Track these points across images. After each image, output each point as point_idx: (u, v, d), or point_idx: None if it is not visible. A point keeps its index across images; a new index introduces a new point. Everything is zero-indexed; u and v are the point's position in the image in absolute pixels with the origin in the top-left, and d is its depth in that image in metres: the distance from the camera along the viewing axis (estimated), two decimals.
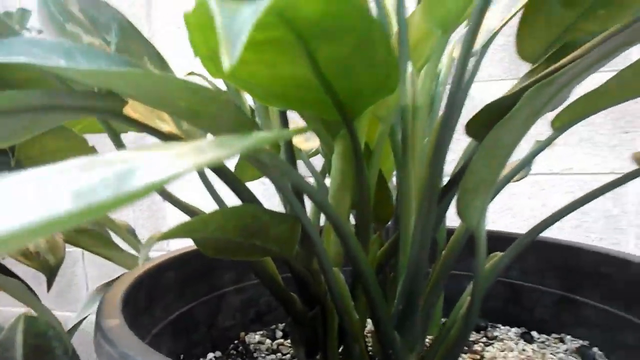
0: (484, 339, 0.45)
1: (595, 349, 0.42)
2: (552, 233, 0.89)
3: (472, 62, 0.38)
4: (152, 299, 0.36)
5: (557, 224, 0.88)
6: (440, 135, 0.27)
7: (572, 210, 0.37)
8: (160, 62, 0.43)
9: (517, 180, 0.48)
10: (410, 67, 0.30)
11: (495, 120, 0.28)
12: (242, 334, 0.45)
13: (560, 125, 0.40)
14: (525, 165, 0.42)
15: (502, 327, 0.47)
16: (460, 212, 0.29)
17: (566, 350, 0.42)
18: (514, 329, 0.46)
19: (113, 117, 0.30)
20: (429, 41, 0.29)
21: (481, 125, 0.31)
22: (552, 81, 0.26)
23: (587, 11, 0.38)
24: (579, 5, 0.38)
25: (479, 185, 0.28)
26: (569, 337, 0.44)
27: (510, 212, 0.94)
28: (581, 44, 0.34)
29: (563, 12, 0.38)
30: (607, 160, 0.87)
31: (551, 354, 0.41)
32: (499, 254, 0.32)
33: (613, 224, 0.87)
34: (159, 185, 0.12)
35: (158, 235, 0.24)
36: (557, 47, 0.41)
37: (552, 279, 0.44)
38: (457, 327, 0.31)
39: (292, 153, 0.37)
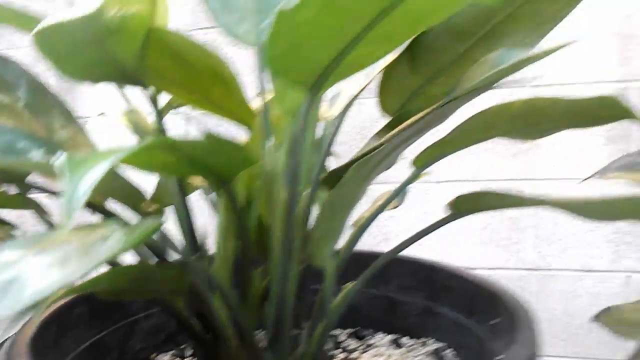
0: (363, 346, 0.53)
1: (448, 350, 0.51)
2: (464, 233, 1.00)
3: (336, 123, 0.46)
4: (62, 333, 0.41)
5: (469, 226, 0.99)
6: (290, 192, 0.35)
7: (422, 237, 0.45)
8: (68, 115, 0.48)
9: (393, 209, 0.57)
10: (272, 141, 0.37)
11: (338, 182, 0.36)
12: (153, 354, 0.51)
13: (421, 165, 0.49)
14: (395, 197, 0.51)
15: (380, 335, 0.56)
16: (310, 257, 0.36)
17: (425, 353, 0.51)
18: (389, 336, 0.55)
19: (19, 186, 0.35)
20: (283, 122, 0.36)
21: (332, 185, 0.39)
22: (370, 159, 0.34)
23: (431, 78, 0.47)
24: (422, 73, 0.47)
25: (324, 235, 0.36)
26: (431, 340, 0.53)
27: (426, 216, 1.03)
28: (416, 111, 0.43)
29: (412, 78, 0.47)
30: (508, 167, 0.98)
31: (413, 356, 0.50)
32: (350, 284, 0.40)
33: (515, 225, 0.99)
34: (36, 301, 0.19)
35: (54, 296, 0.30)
36: (414, 102, 0.49)
37: (419, 292, 0.53)
38: (315, 344, 0.39)
39: (185, 207, 0.43)
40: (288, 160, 0.34)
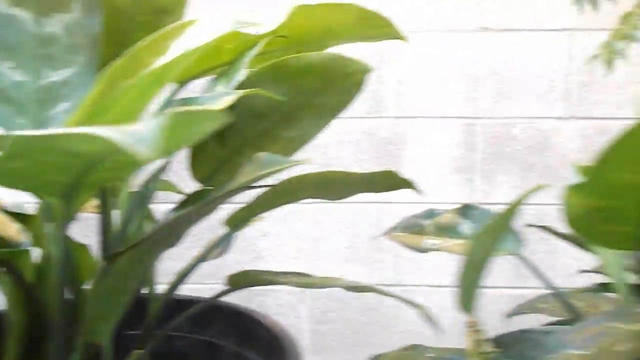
0: None
1: None
2: (331, 251, 1.06)
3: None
4: None
5: (336, 245, 1.05)
6: (61, 276, 0.37)
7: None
8: None
9: (216, 258, 0.60)
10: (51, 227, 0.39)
11: None
12: None
13: (234, 225, 0.53)
14: (216, 248, 0.55)
15: None
16: (88, 333, 0.39)
17: None
18: None
19: None
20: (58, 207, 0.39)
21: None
22: (145, 245, 0.37)
23: (238, 150, 0.52)
24: (229, 146, 0.51)
25: (100, 314, 0.39)
26: None
27: (297, 234, 1.08)
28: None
29: (220, 150, 0.51)
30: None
31: None
32: (137, 352, 0.43)
33: (376, 245, 1.07)
34: None
35: None
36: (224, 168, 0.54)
37: (233, 337, 0.58)
38: None
39: None
40: (60, 246, 0.36)
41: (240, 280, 0.44)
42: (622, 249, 0.36)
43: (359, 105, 1.04)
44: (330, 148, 1.08)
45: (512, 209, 0.31)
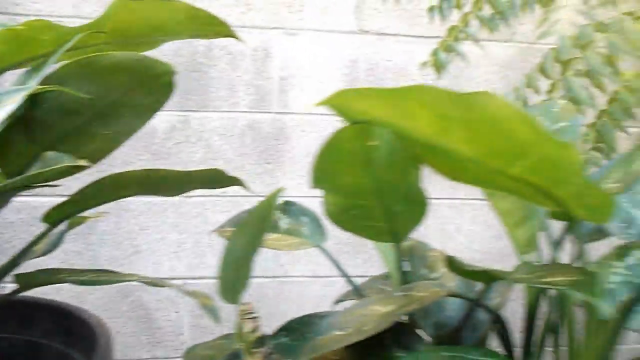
0: None
1: None
2: (218, 246, 1.05)
3: None
4: None
5: (215, 239, 1.04)
6: None
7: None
8: None
9: (41, 256, 0.59)
10: None
11: None
12: None
13: (52, 222, 0.52)
14: (35, 245, 0.53)
15: None
16: None
17: None
18: None
19: None
20: None
21: None
22: None
23: (50, 146, 0.50)
24: (40, 143, 0.50)
25: None
26: None
27: (177, 228, 1.07)
28: None
29: (30, 147, 0.49)
30: (254, 185, 1.06)
31: None
32: None
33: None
34: None
35: None
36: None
37: (58, 336, 0.57)
38: None
39: None
40: None
41: (29, 280, 0.43)
42: (381, 241, 0.40)
43: (243, 99, 1.05)
44: (213, 141, 1.08)
45: (267, 206, 0.34)
